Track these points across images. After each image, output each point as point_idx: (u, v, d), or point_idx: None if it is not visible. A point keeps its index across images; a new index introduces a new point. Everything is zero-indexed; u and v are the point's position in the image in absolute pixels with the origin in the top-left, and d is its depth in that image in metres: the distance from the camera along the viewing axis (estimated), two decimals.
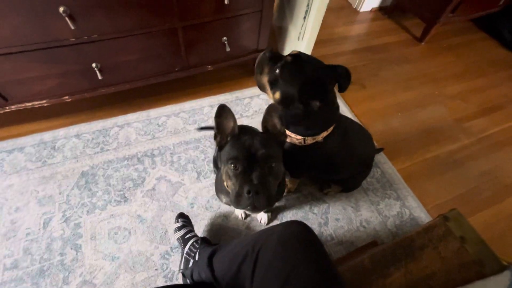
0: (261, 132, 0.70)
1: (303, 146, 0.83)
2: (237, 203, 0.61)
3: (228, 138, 0.69)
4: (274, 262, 0.51)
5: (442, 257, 0.57)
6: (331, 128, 0.81)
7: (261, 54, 0.80)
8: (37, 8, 0.88)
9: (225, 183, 0.70)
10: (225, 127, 0.68)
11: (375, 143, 1.40)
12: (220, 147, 0.70)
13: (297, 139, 0.81)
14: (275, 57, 0.77)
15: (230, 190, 0.66)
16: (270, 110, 0.67)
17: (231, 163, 0.63)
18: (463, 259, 0.57)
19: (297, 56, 0.74)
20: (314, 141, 0.81)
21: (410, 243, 0.59)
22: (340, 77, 0.74)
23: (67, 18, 0.91)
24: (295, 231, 0.54)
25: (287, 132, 0.81)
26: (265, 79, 0.78)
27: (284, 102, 0.75)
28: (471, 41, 2.16)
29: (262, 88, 0.82)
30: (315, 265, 0.48)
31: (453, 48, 2.06)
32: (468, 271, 0.56)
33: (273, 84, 0.76)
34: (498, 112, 1.65)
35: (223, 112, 0.66)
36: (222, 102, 1.53)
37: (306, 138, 0.80)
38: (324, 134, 0.80)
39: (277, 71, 0.74)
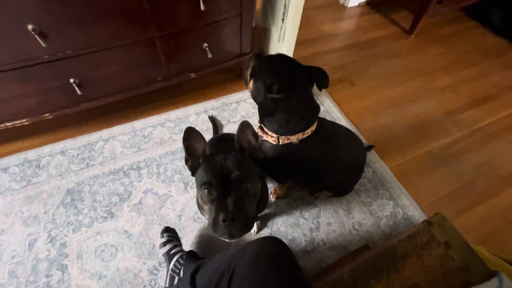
0: (235, 149, 0.67)
1: (279, 149, 0.83)
2: (214, 230, 0.58)
3: (200, 160, 0.67)
4: (245, 281, 0.50)
5: (426, 265, 0.55)
6: (309, 132, 0.80)
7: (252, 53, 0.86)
8: (4, 27, 0.86)
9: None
10: (195, 149, 0.66)
11: (366, 141, 1.37)
12: (192, 171, 0.68)
13: (271, 137, 0.82)
14: (261, 54, 0.84)
15: (207, 215, 0.64)
16: (243, 127, 0.64)
17: (205, 189, 0.60)
18: (448, 267, 0.55)
19: (277, 55, 0.81)
20: (288, 141, 0.81)
21: (392, 253, 0.57)
22: (315, 77, 0.78)
23: (37, 36, 0.89)
24: (267, 249, 0.53)
25: (265, 129, 0.84)
26: (248, 72, 0.84)
27: (255, 90, 0.78)
28: (462, 30, 2.13)
29: (246, 83, 0.86)
30: (286, 283, 0.46)
31: (443, 39, 2.03)
32: (454, 279, 0.54)
33: (251, 76, 0.82)
34: (490, 103, 1.62)
35: (191, 134, 0.63)
36: (208, 109, 1.51)
37: (280, 137, 0.81)
38: (300, 136, 0.80)
39: (256, 63, 0.81)
